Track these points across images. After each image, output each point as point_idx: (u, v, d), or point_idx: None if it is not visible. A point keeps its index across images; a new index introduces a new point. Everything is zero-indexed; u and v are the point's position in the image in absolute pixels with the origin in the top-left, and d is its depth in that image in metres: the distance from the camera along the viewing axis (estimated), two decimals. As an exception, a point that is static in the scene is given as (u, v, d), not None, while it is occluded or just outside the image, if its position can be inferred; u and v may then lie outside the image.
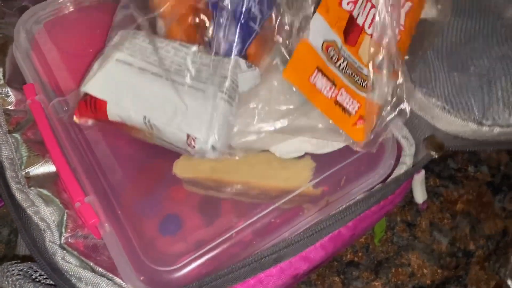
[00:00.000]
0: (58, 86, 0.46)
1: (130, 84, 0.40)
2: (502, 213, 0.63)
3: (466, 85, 0.44)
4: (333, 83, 0.35)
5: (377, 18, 0.36)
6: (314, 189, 0.42)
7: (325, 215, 0.41)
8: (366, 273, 0.58)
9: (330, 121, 0.39)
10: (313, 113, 0.38)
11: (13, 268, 0.38)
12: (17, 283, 0.37)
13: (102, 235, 0.40)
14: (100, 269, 0.40)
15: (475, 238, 0.61)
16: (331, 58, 0.35)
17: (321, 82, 0.35)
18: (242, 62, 0.40)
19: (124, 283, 0.39)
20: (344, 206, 0.41)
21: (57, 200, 0.43)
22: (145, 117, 0.39)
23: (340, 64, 0.35)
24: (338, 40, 0.35)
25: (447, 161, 0.66)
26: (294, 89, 0.36)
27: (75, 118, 0.42)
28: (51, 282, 0.40)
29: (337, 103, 0.35)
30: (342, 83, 0.35)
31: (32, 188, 0.43)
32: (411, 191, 0.51)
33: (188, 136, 0.38)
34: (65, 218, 0.42)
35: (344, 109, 0.35)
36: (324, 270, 0.58)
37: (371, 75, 0.36)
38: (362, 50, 0.36)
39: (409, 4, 0.38)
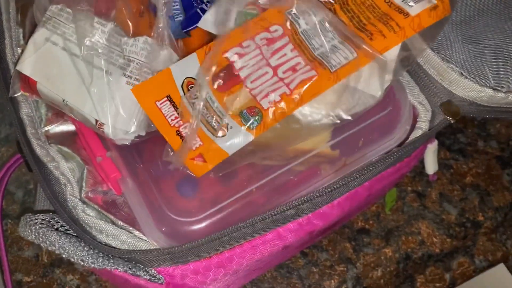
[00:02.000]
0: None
1: (54, 66, 0.40)
2: (511, 186, 0.64)
3: (480, 57, 0.44)
4: (181, 115, 0.38)
5: (261, 76, 0.38)
6: (332, 151, 0.43)
7: (342, 176, 0.41)
8: (376, 240, 0.59)
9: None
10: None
11: (36, 218, 0.39)
12: (40, 231, 0.37)
13: (123, 188, 0.41)
14: (120, 222, 0.40)
15: (483, 210, 0.62)
16: (190, 94, 0.38)
17: (167, 109, 0.38)
18: (151, 41, 0.39)
19: (143, 236, 0.40)
20: (361, 166, 0.42)
21: (77, 156, 0.43)
22: (63, 100, 0.39)
23: (195, 102, 0.37)
24: (204, 82, 0.37)
25: (457, 135, 0.66)
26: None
27: (22, 92, 0.42)
28: (73, 233, 0.40)
29: (179, 133, 0.37)
30: (189, 118, 0.37)
31: (52, 145, 0.43)
32: (422, 162, 0.51)
33: (96, 121, 0.38)
34: (85, 173, 0.42)
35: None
36: (336, 236, 0.59)
37: (228, 122, 0.37)
38: (234, 99, 0.37)
39: (311, 73, 0.38)
